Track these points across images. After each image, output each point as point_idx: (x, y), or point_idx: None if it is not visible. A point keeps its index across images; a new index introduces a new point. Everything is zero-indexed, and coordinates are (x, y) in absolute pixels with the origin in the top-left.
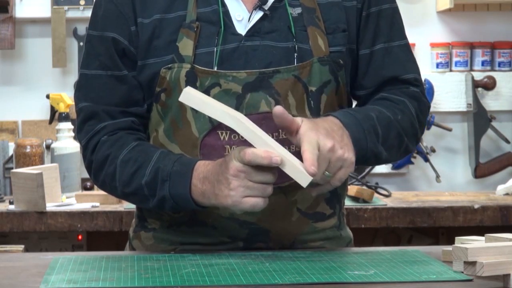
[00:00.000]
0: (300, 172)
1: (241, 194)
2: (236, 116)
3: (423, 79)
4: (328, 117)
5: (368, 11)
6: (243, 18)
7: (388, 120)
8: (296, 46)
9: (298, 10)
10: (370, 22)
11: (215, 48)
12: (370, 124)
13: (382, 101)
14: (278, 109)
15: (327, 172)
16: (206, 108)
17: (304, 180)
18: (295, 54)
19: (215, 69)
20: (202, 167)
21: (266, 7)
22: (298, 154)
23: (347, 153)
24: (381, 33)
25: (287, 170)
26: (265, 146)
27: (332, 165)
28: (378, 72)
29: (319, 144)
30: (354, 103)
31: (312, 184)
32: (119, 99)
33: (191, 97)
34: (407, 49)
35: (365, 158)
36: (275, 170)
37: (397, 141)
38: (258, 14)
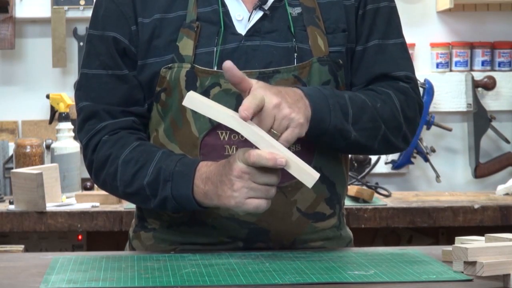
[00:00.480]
0: (305, 173)
1: (245, 196)
2: (240, 119)
3: (423, 79)
4: (291, 87)
5: (364, 9)
6: (243, 18)
7: (362, 103)
8: (296, 46)
9: (298, 9)
10: (366, 20)
11: (215, 48)
12: (337, 101)
13: (365, 91)
14: (227, 63)
15: (274, 131)
16: (210, 111)
17: (309, 181)
18: (295, 54)
19: (215, 69)
20: (205, 168)
21: (266, 7)
22: (300, 154)
23: (295, 114)
24: (376, 30)
25: (292, 171)
26: (270, 148)
27: (277, 123)
28: (369, 68)
29: (264, 100)
30: None
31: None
32: (119, 98)
33: (194, 101)
34: (402, 48)
35: (329, 134)
36: (279, 172)
37: (372, 125)
38: (258, 14)
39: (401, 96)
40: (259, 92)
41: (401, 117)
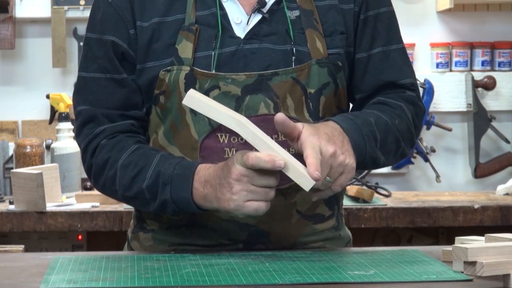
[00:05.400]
0: (303, 176)
1: (244, 198)
2: (240, 119)
3: (423, 79)
4: (329, 122)
5: (365, 14)
6: (241, 21)
7: (386, 125)
8: (294, 48)
9: (296, 13)
10: (368, 26)
11: (213, 52)
12: (369, 129)
13: (380, 105)
14: (280, 116)
15: (328, 178)
16: (210, 111)
17: (307, 184)
18: (293, 57)
19: (213, 72)
20: (203, 171)
21: (265, 10)
22: (299, 157)
23: (348, 159)
24: (379, 36)
25: (290, 174)
26: (268, 150)
27: (333, 171)
28: (376, 76)
29: (321, 150)
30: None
31: (312, 189)
32: (118, 102)
33: (195, 100)
34: (403, 53)
35: (364, 163)
36: (277, 174)
37: (395, 146)
38: (257, 17)
39: (411, 107)
40: (314, 142)
41: (413, 128)
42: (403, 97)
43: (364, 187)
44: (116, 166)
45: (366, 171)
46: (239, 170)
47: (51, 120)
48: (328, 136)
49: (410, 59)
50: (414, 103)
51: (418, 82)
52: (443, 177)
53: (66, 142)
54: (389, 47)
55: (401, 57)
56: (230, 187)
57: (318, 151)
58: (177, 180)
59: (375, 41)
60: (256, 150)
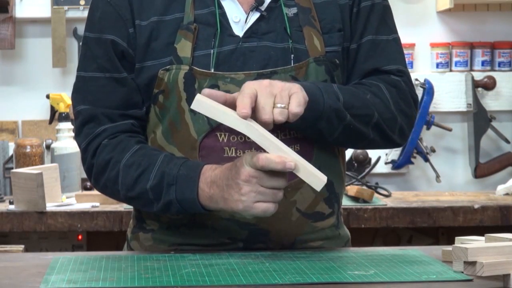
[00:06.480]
0: (313, 176)
1: (253, 200)
2: (248, 121)
3: (423, 79)
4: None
5: (358, 7)
6: (240, 20)
7: (351, 91)
8: (292, 46)
9: (294, 10)
10: (361, 17)
11: (212, 51)
12: (327, 87)
13: (354, 84)
14: (205, 90)
15: (279, 105)
16: (218, 114)
17: (318, 184)
18: (292, 55)
19: (212, 71)
20: (209, 171)
21: (263, 8)
22: (299, 154)
23: (290, 84)
24: (370, 26)
25: (301, 174)
26: (277, 151)
27: (279, 96)
28: (361, 65)
29: (254, 89)
30: None
31: (324, 188)
32: (118, 101)
33: (203, 104)
34: (395, 43)
35: (326, 116)
36: (286, 175)
37: (364, 112)
38: (255, 15)
39: (392, 89)
40: (245, 86)
41: (393, 109)
42: (384, 79)
43: (364, 187)
44: (119, 166)
45: (366, 171)
46: (248, 171)
47: (51, 120)
48: (267, 81)
49: (410, 59)
50: (397, 86)
51: (418, 82)
52: (443, 177)
53: (66, 142)
54: (379, 37)
55: (391, 46)
56: (239, 188)
57: (247, 92)
58: (182, 180)
59: (365, 30)
60: (263, 150)
